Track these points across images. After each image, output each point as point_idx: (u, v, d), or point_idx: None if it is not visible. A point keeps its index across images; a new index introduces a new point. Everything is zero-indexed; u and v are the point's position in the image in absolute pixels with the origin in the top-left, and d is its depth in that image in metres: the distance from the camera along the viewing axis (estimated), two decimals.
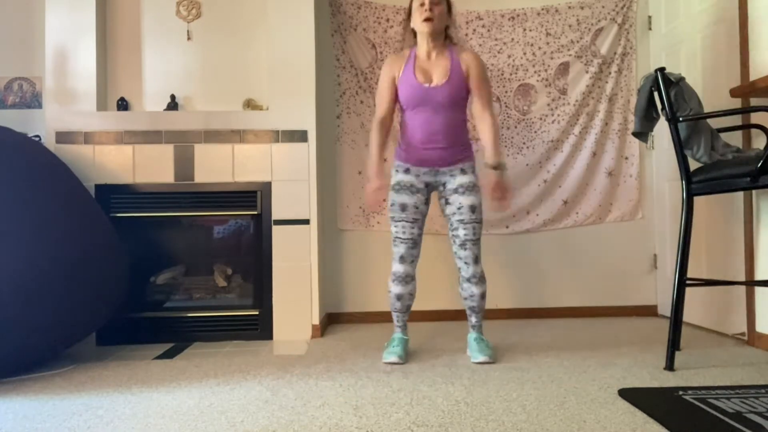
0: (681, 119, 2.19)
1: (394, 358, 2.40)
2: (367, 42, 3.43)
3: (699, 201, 2.91)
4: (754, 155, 2.08)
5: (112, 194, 2.93)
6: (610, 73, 3.48)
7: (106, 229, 2.60)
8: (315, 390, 2.03)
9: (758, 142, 2.54)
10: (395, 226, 2.49)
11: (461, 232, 2.43)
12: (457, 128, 2.47)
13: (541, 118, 3.47)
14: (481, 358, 2.37)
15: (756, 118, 2.49)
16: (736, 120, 2.60)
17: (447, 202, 2.49)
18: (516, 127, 3.47)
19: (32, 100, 3.27)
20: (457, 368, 2.29)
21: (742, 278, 2.63)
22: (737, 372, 2.15)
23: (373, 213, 2.25)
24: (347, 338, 2.97)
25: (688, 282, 2.21)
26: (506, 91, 3.47)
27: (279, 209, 2.97)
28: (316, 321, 3.00)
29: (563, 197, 3.48)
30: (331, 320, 3.42)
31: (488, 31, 3.47)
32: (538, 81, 3.47)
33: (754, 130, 2.56)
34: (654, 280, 3.51)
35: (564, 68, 3.47)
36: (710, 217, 2.90)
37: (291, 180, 2.97)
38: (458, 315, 3.44)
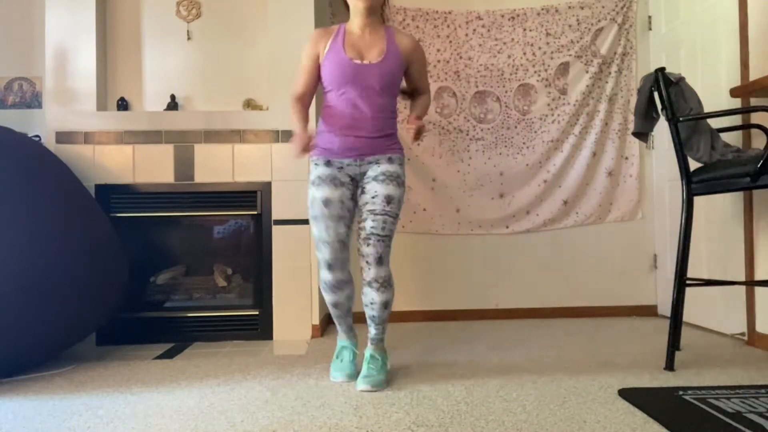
0: (681, 119, 2.19)
1: (341, 378, 2.15)
2: None
3: (699, 201, 2.91)
4: (754, 155, 2.08)
5: (112, 194, 2.93)
6: (610, 73, 3.48)
7: (106, 229, 2.60)
8: (315, 390, 2.03)
9: (758, 142, 2.54)
10: (317, 227, 2.12)
11: (368, 224, 2.09)
12: (386, 116, 2.17)
13: (541, 118, 3.47)
14: (362, 386, 2.02)
15: (756, 118, 2.49)
16: (736, 120, 2.60)
17: (363, 191, 2.16)
18: (516, 127, 3.47)
19: (32, 100, 3.27)
20: (457, 368, 2.29)
21: (742, 278, 2.63)
22: (737, 372, 2.15)
23: (303, 155, 2.01)
24: None
25: (688, 282, 2.21)
26: (506, 91, 3.47)
27: (279, 209, 2.97)
28: (316, 321, 3.00)
29: (563, 197, 3.48)
30: (331, 320, 3.42)
31: (488, 31, 3.47)
32: (538, 81, 3.47)
33: (754, 130, 2.56)
34: (654, 280, 3.51)
35: (564, 68, 3.47)
36: (710, 217, 2.90)
37: (291, 180, 2.97)
38: (458, 315, 3.44)
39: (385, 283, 2.11)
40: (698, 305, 2.97)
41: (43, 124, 3.12)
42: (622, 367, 2.26)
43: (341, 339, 2.31)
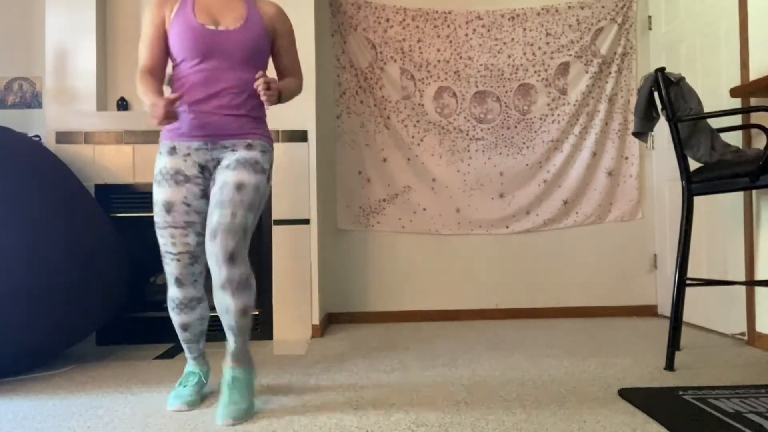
0: (681, 119, 2.19)
1: (179, 405, 1.81)
2: (367, 42, 3.43)
3: (699, 201, 2.91)
4: (754, 155, 2.08)
5: (112, 194, 2.93)
6: (610, 73, 3.48)
7: (106, 229, 2.60)
8: (315, 390, 2.03)
9: (758, 142, 2.54)
10: (160, 237, 1.82)
11: (214, 218, 1.73)
12: (251, 94, 1.83)
13: (541, 118, 3.47)
14: (224, 420, 1.65)
15: (756, 118, 2.49)
16: (736, 120, 2.60)
17: (213, 184, 1.82)
18: (516, 127, 3.47)
19: (32, 100, 3.27)
20: (457, 368, 2.29)
21: (742, 278, 2.63)
22: (737, 372, 2.15)
23: (165, 123, 1.65)
24: (347, 338, 2.97)
25: (688, 282, 2.21)
26: (506, 91, 3.47)
27: (279, 209, 2.97)
28: (316, 321, 3.00)
29: (563, 197, 3.48)
30: (331, 320, 3.42)
31: (488, 31, 3.47)
32: (538, 81, 3.47)
33: (754, 130, 2.56)
34: (654, 280, 3.51)
35: (564, 68, 3.47)
36: (710, 217, 2.90)
37: (291, 180, 2.97)
38: (458, 315, 3.44)
39: (241, 285, 1.76)
40: (698, 305, 2.97)
41: (43, 124, 3.12)
42: (622, 367, 2.26)
43: (190, 365, 2.01)
